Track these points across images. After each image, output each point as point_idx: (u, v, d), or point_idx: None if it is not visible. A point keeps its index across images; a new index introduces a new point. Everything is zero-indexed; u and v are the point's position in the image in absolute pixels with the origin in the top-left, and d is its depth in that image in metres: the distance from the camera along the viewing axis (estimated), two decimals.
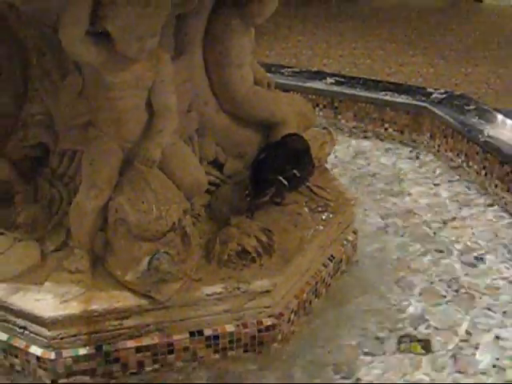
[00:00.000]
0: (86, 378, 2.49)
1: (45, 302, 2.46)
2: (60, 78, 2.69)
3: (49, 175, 2.77)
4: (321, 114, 4.34)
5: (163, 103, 2.61)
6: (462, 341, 2.72)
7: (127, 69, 2.49)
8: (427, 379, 2.55)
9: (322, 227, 2.88)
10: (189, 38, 2.79)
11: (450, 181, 3.99)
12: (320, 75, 4.78)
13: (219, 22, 2.84)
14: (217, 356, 2.58)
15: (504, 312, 2.90)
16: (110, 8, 2.33)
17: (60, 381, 2.48)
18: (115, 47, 2.42)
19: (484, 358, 2.62)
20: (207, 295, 2.52)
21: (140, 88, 2.55)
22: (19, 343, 2.51)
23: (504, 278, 3.15)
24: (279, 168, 2.76)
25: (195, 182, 2.66)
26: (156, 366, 2.54)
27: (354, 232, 3.13)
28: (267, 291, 2.57)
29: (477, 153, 3.97)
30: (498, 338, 2.74)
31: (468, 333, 2.75)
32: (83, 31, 2.36)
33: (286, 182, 2.77)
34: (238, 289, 2.54)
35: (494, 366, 2.59)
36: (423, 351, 2.68)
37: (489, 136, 3.97)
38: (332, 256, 2.95)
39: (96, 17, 2.35)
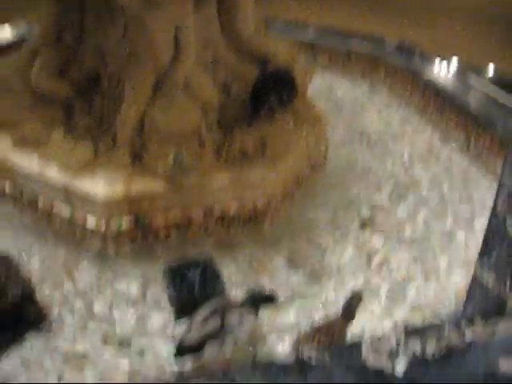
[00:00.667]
0: (128, 242, 2.49)
1: (98, 185, 2.45)
2: (109, 18, 2.61)
3: (100, 94, 2.70)
4: (303, 57, 4.23)
5: (185, 40, 2.53)
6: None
7: (159, 11, 2.40)
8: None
9: (302, 137, 2.84)
10: None
11: (398, 108, 3.92)
12: (301, 26, 4.65)
13: None
14: (223, 229, 2.58)
15: None
16: None
17: (108, 244, 2.47)
18: None
19: None
20: (217, 183, 2.50)
21: (168, 27, 2.47)
22: (79, 216, 2.50)
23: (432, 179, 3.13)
24: (271, 91, 2.70)
25: (209, 100, 2.60)
26: (179, 235, 2.54)
27: (326, 141, 3.09)
28: (261, 182, 2.55)
29: (418, 87, 3.88)
30: None
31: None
32: None
33: (276, 102, 2.71)
34: (239, 180, 2.52)
35: None
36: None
37: (428, 75, 3.89)
38: (310, 158, 2.91)
39: None
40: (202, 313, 1.96)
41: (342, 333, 1.95)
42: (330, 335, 1.92)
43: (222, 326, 1.90)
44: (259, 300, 2.02)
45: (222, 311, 1.94)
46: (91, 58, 2.72)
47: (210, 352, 1.89)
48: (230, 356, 1.89)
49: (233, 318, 1.94)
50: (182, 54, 2.53)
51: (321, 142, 3.03)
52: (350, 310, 1.99)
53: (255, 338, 2.10)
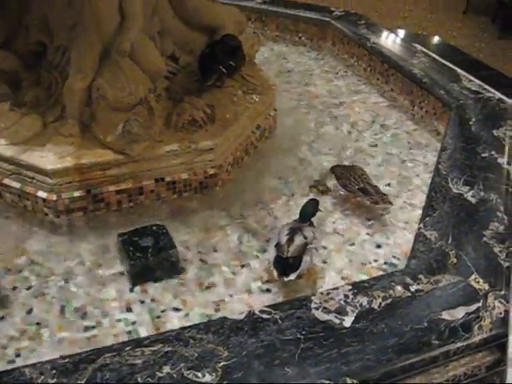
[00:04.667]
0: (80, 214, 2.46)
1: (47, 158, 2.41)
2: None
3: (47, 65, 2.65)
4: (252, 26, 4.21)
5: (131, 9, 2.48)
6: None
7: None
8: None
9: (250, 104, 2.84)
10: None
11: (345, 75, 3.94)
12: None
13: None
14: (175, 196, 2.58)
15: None
16: None
17: (61, 216, 2.44)
18: None
19: None
20: (167, 152, 2.49)
21: None
22: (29, 189, 2.46)
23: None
24: (219, 59, 2.69)
25: (157, 69, 2.57)
26: (131, 204, 2.52)
27: (275, 109, 3.09)
28: (211, 149, 2.55)
29: (365, 55, 3.91)
30: None
31: None
32: None
33: (224, 71, 2.71)
34: (190, 147, 2.51)
35: None
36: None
37: (374, 43, 3.91)
38: (258, 125, 2.92)
39: None
40: (285, 232, 2.19)
41: None
42: None
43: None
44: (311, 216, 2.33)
45: (299, 229, 2.20)
46: (37, 29, 2.66)
47: (305, 262, 2.14)
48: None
49: (308, 233, 2.20)
50: (127, 22, 2.48)
51: (269, 109, 3.03)
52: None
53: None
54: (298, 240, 2.15)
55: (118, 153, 2.41)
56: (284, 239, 2.16)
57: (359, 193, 2.57)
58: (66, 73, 2.57)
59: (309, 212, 2.33)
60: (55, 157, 2.39)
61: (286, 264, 2.12)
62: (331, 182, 2.72)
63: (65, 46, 2.59)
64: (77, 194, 2.42)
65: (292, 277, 2.11)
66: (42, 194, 2.43)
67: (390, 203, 2.55)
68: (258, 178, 2.76)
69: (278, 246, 2.17)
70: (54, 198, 2.40)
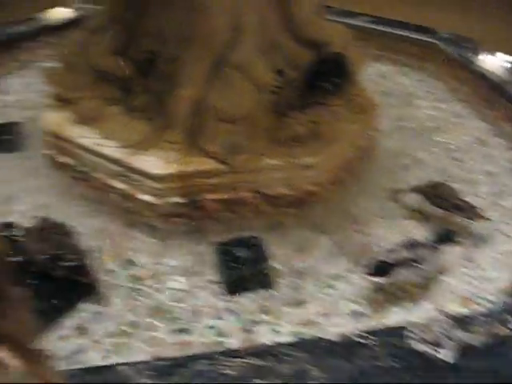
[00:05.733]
0: (180, 219, 2.51)
1: (153, 163, 2.48)
2: (171, 1, 2.60)
3: (158, 74, 2.70)
4: (355, 44, 4.18)
5: (246, 23, 2.52)
6: None
7: None
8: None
9: (353, 123, 2.81)
10: None
11: (447, 99, 3.84)
12: (355, 15, 4.59)
13: None
14: (272, 210, 2.57)
15: None
16: None
17: (161, 220, 2.50)
18: None
19: None
20: (268, 165, 2.50)
21: (229, 10, 2.46)
22: (134, 192, 2.53)
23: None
24: (325, 76, 2.68)
25: (264, 83, 2.59)
26: (229, 214, 2.55)
27: (376, 130, 3.05)
28: (312, 166, 2.54)
29: (469, 78, 3.80)
30: None
31: None
32: None
33: (330, 88, 2.69)
34: (291, 162, 2.51)
35: None
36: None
37: (479, 67, 3.80)
38: (359, 145, 2.88)
39: None
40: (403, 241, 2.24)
41: None
42: None
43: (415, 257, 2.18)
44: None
45: (416, 244, 2.23)
46: (151, 39, 2.73)
47: (400, 274, 2.15)
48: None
49: (421, 251, 2.20)
50: (240, 36, 2.52)
51: (371, 129, 3.00)
52: None
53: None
54: (406, 252, 2.18)
55: (220, 162, 2.44)
56: (396, 246, 2.21)
57: (453, 210, 2.50)
58: (176, 82, 2.62)
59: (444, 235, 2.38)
60: (161, 162, 2.45)
61: (380, 266, 2.16)
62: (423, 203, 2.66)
63: (177, 56, 2.64)
64: (179, 199, 2.47)
65: (380, 280, 2.15)
66: (145, 197, 2.49)
67: (486, 218, 2.48)
68: (355, 198, 2.72)
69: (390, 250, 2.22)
70: (157, 201, 2.46)
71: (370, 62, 3.51)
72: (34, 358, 0.97)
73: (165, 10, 2.62)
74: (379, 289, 2.19)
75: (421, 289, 2.23)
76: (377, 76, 3.91)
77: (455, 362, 1.69)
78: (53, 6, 4.39)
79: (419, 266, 2.20)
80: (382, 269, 2.18)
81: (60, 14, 4.35)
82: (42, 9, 4.38)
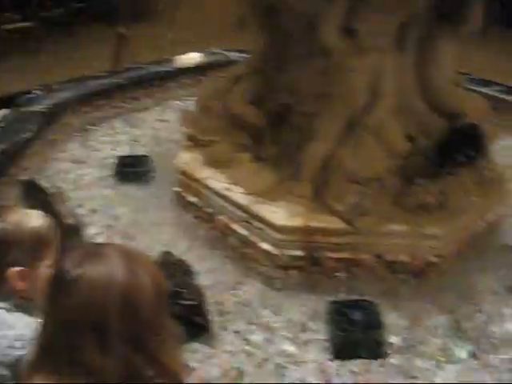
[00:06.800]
0: (296, 272, 2.53)
1: (278, 213, 2.53)
2: (309, 58, 2.69)
3: (291, 127, 2.78)
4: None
5: (384, 88, 2.55)
6: None
7: (364, 57, 2.44)
8: None
9: (481, 197, 2.74)
10: (410, 40, 2.68)
11: None
12: (488, 83, 4.50)
13: (433, 31, 2.71)
14: (390, 276, 2.54)
15: None
16: (362, 10, 2.28)
17: (278, 270, 2.53)
18: (358, 40, 2.38)
19: None
20: (392, 231, 2.49)
21: (369, 73, 2.50)
22: (255, 239, 2.58)
23: None
24: (460, 148, 2.64)
25: (397, 149, 2.59)
26: (344, 274, 2.54)
27: (505, 204, 2.95)
28: (436, 236, 2.50)
29: None
30: None
31: None
32: (338, 27, 2.33)
33: (463, 160, 2.65)
34: (415, 231, 2.48)
35: None
36: None
37: None
38: (486, 219, 2.80)
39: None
40: None
41: None
42: None
43: None
44: None
45: None
46: (287, 91, 2.82)
47: None
48: None
49: None
50: (377, 100, 2.55)
51: (499, 204, 2.91)
52: None
53: None
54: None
55: (345, 222, 2.45)
56: None
57: None
58: (307, 137, 2.68)
59: None
60: (286, 214, 2.50)
61: None
62: None
63: (311, 112, 2.71)
64: (298, 253, 2.49)
65: None
66: (265, 245, 2.53)
67: None
68: (476, 274, 2.64)
69: None
70: (277, 252, 2.50)
71: (502, 135, 3.43)
72: None
73: (302, 64, 2.70)
74: None
75: None
76: (509, 149, 3.80)
77: None
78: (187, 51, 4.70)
79: None
80: None
81: (194, 58, 4.61)
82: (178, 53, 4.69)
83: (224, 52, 4.71)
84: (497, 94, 4.27)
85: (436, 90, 2.85)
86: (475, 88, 4.09)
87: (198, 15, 7.15)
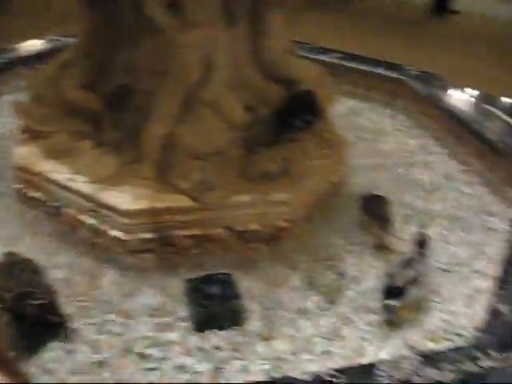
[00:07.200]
0: (150, 255, 2.50)
1: (123, 198, 2.48)
2: (142, 35, 2.63)
3: (129, 108, 2.71)
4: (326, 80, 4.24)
5: (217, 61, 2.55)
6: None
7: (193, 32, 2.43)
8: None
9: (323, 160, 2.84)
10: (237, 13, 2.69)
11: (417, 135, 3.90)
12: (327, 51, 4.66)
13: (259, 3, 2.75)
14: (243, 246, 2.58)
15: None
16: None
17: (131, 255, 2.48)
18: (185, 15, 2.36)
19: None
20: (239, 202, 2.51)
21: (201, 48, 2.49)
22: (103, 227, 2.51)
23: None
24: (296, 114, 2.71)
25: (235, 120, 2.61)
26: (199, 250, 2.54)
27: (347, 165, 3.08)
28: (283, 202, 2.55)
29: (439, 115, 3.88)
30: None
31: None
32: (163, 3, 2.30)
33: (301, 125, 2.72)
34: (262, 199, 2.52)
35: None
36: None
37: (448, 104, 3.89)
38: (330, 181, 2.91)
39: None
40: (399, 263, 2.35)
41: None
42: None
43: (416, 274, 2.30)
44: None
45: (411, 261, 2.34)
46: (122, 73, 2.74)
47: (412, 294, 2.26)
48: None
49: (419, 266, 2.33)
50: (211, 73, 2.55)
51: (341, 165, 3.03)
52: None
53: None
54: (408, 272, 2.28)
55: (191, 199, 2.44)
56: (395, 270, 2.31)
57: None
58: (146, 117, 2.63)
59: (424, 241, 2.45)
60: (131, 198, 2.45)
61: (391, 292, 2.25)
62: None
63: (147, 92, 2.66)
64: (148, 235, 2.46)
65: (395, 303, 2.23)
66: (114, 232, 2.48)
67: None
68: (327, 235, 2.74)
69: (388, 274, 2.32)
70: (127, 237, 2.45)
71: (340, 99, 3.57)
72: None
73: (134, 44, 2.64)
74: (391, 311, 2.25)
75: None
76: (347, 112, 3.97)
77: None
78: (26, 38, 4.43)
79: (421, 280, 2.32)
80: (396, 291, 2.26)
81: (34, 45, 4.37)
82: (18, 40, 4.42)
83: (62, 38, 4.50)
84: (335, 61, 4.45)
85: (270, 60, 2.90)
86: (314, 56, 4.25)
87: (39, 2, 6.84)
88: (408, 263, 2.34)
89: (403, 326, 2.26)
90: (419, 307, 2.33)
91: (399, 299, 2.24)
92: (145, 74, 2.66)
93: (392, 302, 2.24)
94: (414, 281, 2.28)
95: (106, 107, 2.76)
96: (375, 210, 2.76)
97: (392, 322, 2.26)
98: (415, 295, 2.29)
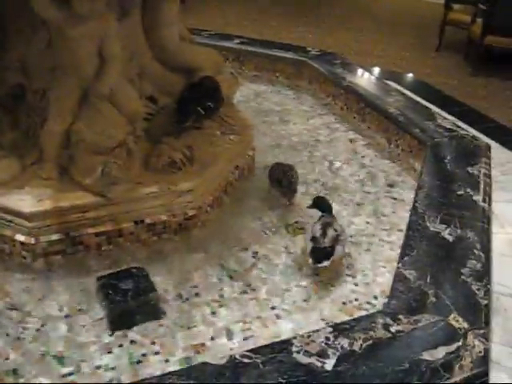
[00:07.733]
0: (59, 257, 2.44)
1: (25, 201, 2.40)
2: (31, 32, 2.56)
3: (26, 108, 2.64)
4: (230, 65, 4.26)
5: (110, 53, 2.51)
6: None
7: (83, 25, 2.38)
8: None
9: (229, 145, 2.87)
10: (130, 3, 2.66)
11: (322, 114, 3.99)
12: (229, 37, 4.69)
13: None
14: (154, 238, 2.57)
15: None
16: None
17: (39, 259, 2.42)
18: (72, 7, 2.31)
19: None
20: (146, 194, 2.49)
21: (93, 40, 2.44)
22: (7, 232, 2.43)
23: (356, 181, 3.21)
24: (198, 101, 2.72)
25: (135, 111, 2.58)
26: (110, 247, 2.51)
27: (253, 149, 3.12)
28: (190, 190, 2.55)
29: (341, 94, 3.98)
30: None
31: None
32: None
33: (202, 112, 2.73)
34: (169, 189, 2.52)
35: None
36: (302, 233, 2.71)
37: (349, 82, 3.99)
38: (237, 166, 2.93)
39: None
40: (318, 227, 2.44)
41: None
42: None
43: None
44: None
45: (329, 223, 2.46)
46: (15, 73, 2.66)
47: (338, 252, 2.39)
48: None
49: (338, 226, 2.47)
50: (106, 65, 2.50)
51: (248, 149, 3.06)
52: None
53: None
54: (331, 232, 2.41)
55: (96, 195, 2.41)
56: (318, 232, 2.40)
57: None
58: (44, 116, 2.57)
59: (330, 205, 2.60)
60: (33, 200, 2.38)
61: (321, 253, 2.36)
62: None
63: (44, 89, 2.59)
64: (55, 237, 2.40)
65: (326, 263, 2.34)
66: (19, 237, 2.40)
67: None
68: (237, 219, 2.76)
69: (313, 238, 2.41)
70: (32, 241, 2.38)
71: (244, 83, 3.60)
72: None
73: (25, 42, 2.56)
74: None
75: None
76: (252, 96, 4.01)
77: (338, 369, 1.74)
78: None
79: (342, 238, 2.45)
80: (324, 252, 2.36)
81: None
82: None
83: None
84: (241, 47, 4.48)
85: (168, 49, 2.89)
86: (217, 43, 4.26)
87: None
88: (328, 224, 2.44)
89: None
90: (342, 264, 2.49)
91: (329, 259, 2.34)
92: (38, 71, 2.58)
93: (323, 264, 2.34)
94: (337, 239, 2.40)
95: (1, 109, 2.67)
96: (280, 176, 2.85)
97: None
98: (340, 252, 2.42)
